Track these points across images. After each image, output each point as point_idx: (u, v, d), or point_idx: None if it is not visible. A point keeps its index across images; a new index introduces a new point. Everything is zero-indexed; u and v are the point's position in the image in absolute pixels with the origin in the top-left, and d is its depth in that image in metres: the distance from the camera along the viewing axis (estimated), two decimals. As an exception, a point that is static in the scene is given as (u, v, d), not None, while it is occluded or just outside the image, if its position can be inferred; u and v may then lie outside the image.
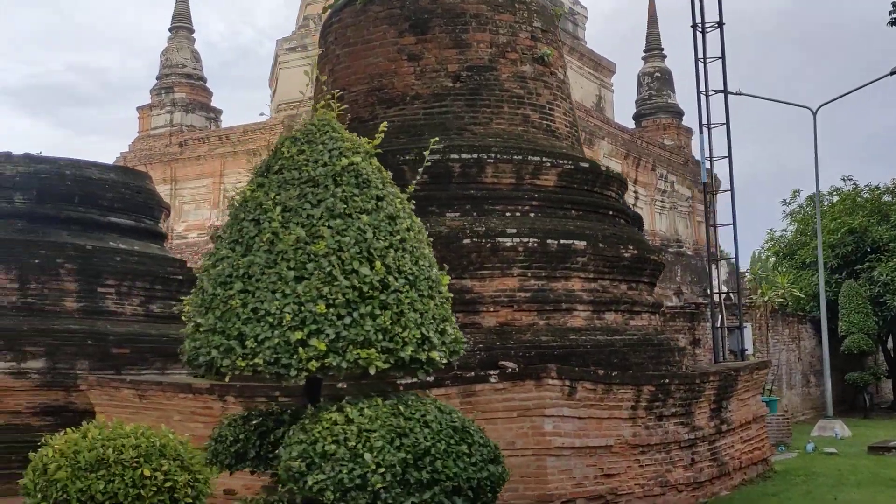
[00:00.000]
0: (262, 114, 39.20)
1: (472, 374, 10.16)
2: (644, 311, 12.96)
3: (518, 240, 11.66)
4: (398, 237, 6.37)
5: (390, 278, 6.15)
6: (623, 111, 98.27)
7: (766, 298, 27.37)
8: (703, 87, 19.30)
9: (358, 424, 5.90)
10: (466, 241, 11.53)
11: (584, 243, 12.02)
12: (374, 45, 13.24)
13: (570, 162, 12.83)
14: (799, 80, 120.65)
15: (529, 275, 11.78)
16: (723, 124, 19.30)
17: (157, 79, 43.47)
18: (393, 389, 7.36)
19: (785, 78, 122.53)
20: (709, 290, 20.44)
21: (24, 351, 14.02)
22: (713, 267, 20.05)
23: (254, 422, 6.78)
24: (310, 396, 6.59)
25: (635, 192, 33.38)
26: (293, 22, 44.29)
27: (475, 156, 12.18)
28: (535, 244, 11.72)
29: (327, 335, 5.92)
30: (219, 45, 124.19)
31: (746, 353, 20.30)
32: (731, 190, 19.24)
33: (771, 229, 40.65)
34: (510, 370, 10.17)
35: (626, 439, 10.68)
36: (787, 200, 37.81)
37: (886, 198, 34.06)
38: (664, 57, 51.73)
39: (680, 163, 46.38)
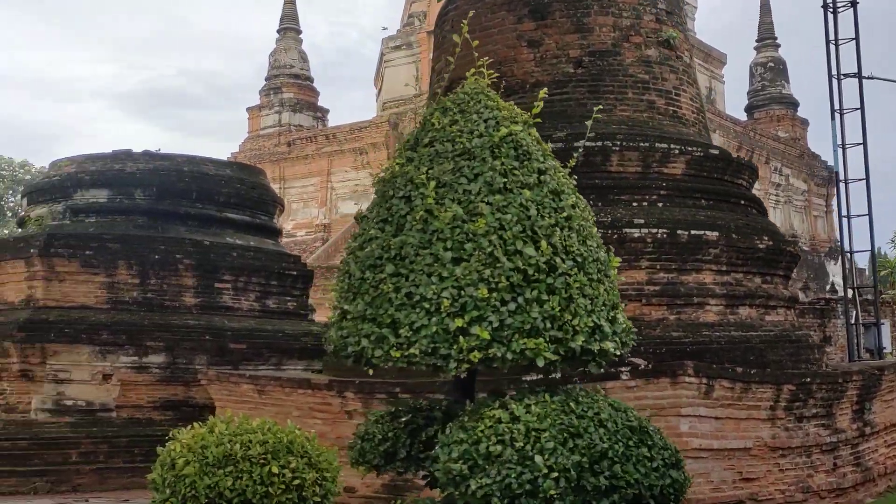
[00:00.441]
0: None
1: (602, 370, 9.69)
2: (780, 305, 12.29)
3: (646, 230, 11.16)
4: (563, 214, 5.75)
5: (557, 260, 5.54)
6: (734, 103, 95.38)
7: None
8: (834, 71, 18.31)
9: (525, 423, 5.33)
10: (592, 232, 11.08)
11: (716, 234, 11.44)
12: (493, 32, 12.88)
13: (699, 149, 12.27)
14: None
15: (658, 267, 11.25)
16: (856, 109, 18.29)
17: (266, 79, 44.19)
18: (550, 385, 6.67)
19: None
20: (843, 286, 19.46)
21: (146, 346, 14.16)
22: (845, 261, 19.05)
23: (402, 419, 6.25)
24: (462, 391, 6.08)
25: (749, 185, 32.31)
26: (398, 22, 44.46)
27: (599, 143, 11.70)
28: (665, 235, 11.20)
29: (490, 323, 5.35)
30: (323, 46, 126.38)
31: (884, 350, 19.26)
32: (867, 179, 18.21)
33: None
34: (642, 367, 9.69)
35: (766, 441, 10.11)
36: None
37: None
38: (777, 46, 50.19)
39: (795, 155, 44.78)
